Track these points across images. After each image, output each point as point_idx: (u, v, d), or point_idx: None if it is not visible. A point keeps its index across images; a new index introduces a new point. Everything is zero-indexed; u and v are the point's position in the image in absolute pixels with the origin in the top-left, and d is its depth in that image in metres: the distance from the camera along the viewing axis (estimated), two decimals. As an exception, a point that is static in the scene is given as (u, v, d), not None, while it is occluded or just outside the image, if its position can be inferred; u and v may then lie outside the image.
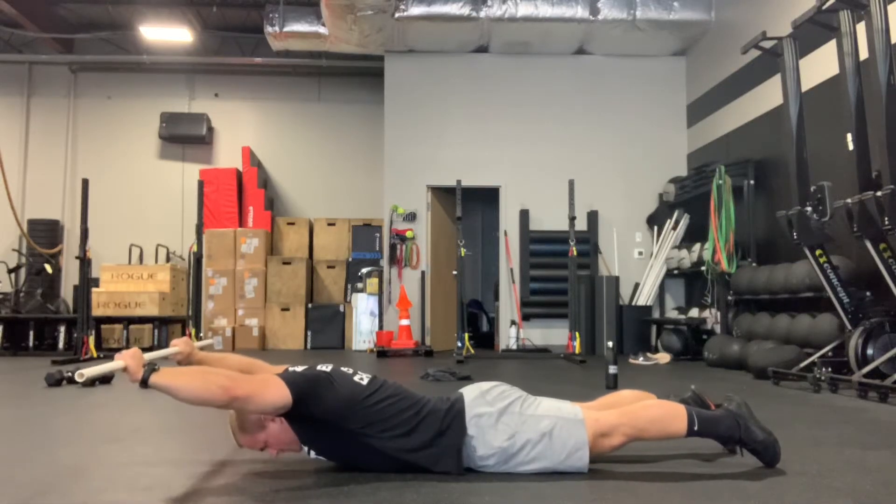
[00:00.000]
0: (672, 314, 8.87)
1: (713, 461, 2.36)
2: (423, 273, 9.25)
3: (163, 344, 8.80)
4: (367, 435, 2.11)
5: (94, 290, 8.35)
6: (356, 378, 2.19)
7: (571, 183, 7.82)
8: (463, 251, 7.88)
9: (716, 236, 7.11)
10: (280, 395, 1.99)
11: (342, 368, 2.22)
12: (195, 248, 7.63)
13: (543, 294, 9.13)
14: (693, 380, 5.36)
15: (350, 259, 10.17)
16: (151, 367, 1.89)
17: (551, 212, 9.05)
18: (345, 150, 11.41)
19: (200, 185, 7.94)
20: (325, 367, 2.20)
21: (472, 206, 10.62)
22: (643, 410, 2.21)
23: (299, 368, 2.13)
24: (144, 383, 1.87)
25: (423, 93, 9.48)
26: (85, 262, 7.27)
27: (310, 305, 9.82)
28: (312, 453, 2.19)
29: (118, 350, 8.94)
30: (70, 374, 4.85)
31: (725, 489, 2.01)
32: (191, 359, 2.30)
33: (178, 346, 2.32)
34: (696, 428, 2.16)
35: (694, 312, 8.21)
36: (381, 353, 8.08)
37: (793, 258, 6.08)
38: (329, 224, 10.45)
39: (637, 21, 8.53)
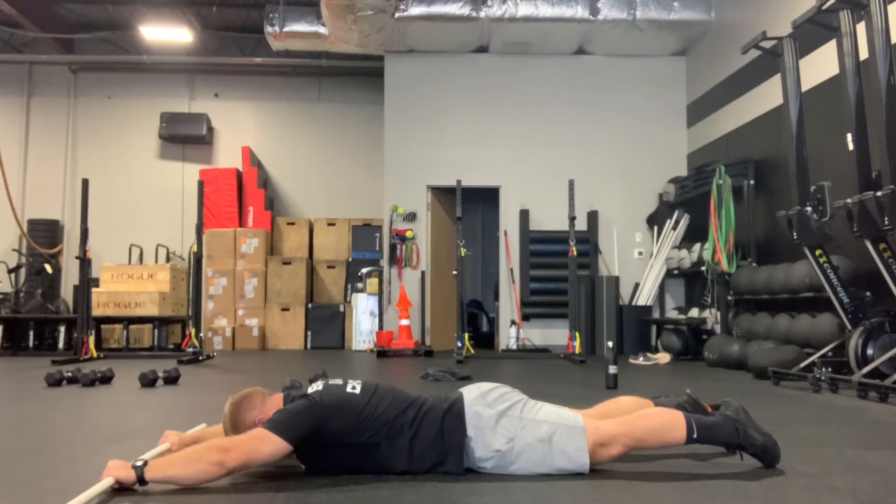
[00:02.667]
0: (672, 314, 8.87)
1: (712, 461, 2.36)
2: (423, 273, 9.25)
3: (163, 344, 8.82)
4: (375, 444, 2.10)
5: (94, 290, 8.35)
6: (349, 389, 2.17)
7: (571, 183, 7.82)
8: (463, 251, 7.88)
9: (716, 236, 7.11)
10: (275, 448, 1.99)
11: (331, 382, 2.21)
12: (195, 248, 7.62)
13: (543, 294, 9.13)
14: (693, 380, 5.36)
15: (350, 259, 10.17)
16: (141, 465, 1.92)
17: (551, 212, 9.05)
18: (345, 150, 11.41)
19: (200, 185, 7.93)
20: (317, 387, 2.17)
21: (472, 206, 10.62)
22: (642, 420, 2.21)
23: (290, 405, 2.10)
24: (142, 481, 1.91)
25: (423, 93, 9.49)
26: (85, 262, 7.26)
27: (310, 305, 9.82)
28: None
29: (118, 350, 8.84)
30: (70, 373, 4.86)
31: (725, 489, 2.02)
32: (182, 447, 2.27)
33: (166, 441, 2.34)
34: (695, 435, 2.16)
35: (694, 312, 8.21)
36: (381, 353, 8.08)
37: (793, 258, 6.08)
38: (329, 224, 10.45)
39: (637, 21, 8.53)
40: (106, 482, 1.89)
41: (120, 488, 1.92)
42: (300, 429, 2.03)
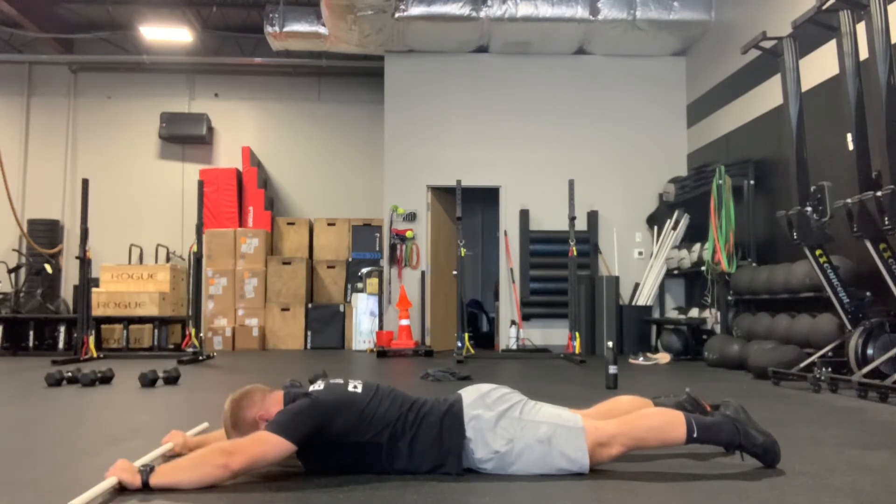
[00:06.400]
0: (672, 314, 8.87)
1: (713, 461, 2.36)
2: (423, 273, 9.25)
3: (163, 344, 8.82)
4: (376, 444, 2.10)
5: (94, 290, 8.35)
6: (350, 388, 2.17)
7: (571, 183, 7.82)
8: (463, 251, 7.88)
9: (716, 236, 7.11)
10: (280, 449, 1.99)
11: (332, 381, 2.21)
12: (195, 248, 7.62)
13: (543, 294, 9.13)
14: (693, 380, 5.36)
15: (350, 259, 10.17)
16: (147, 470, 1.92)
17: (551, 212, 9.06)
18: (345, 150, 11.42)
19: (200, 185, 7.93)
20: (318, 387, 2.17)
21: (472, 206, 10.63)
22: (642, 419, 2.20)
23: (292, 405, 2.09)
24: (147, 486, 1.91)
25: (423, 93, 9.49)
26: (85, 262, 7.26)
27: (310, 305, 9.82)
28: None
29: (118, 350, 8.82)
30: (70, 373, 4.86)
31: (725, 489, 2.02)
32: (185, 448, 2.29)
33: (170, 440, 2.34)
34: (695, 435, 2.16)
35: (694, 312, 8.20)
36: (381, 353, 8.08)
37: (793, 258, 6.08)
38: (329, 224, 10.45)
39: (637, 21, 8.54)
40: (109, 482, 1.89)
41: (122, 489, 1.92)
42: (303, 428, 2.02)
